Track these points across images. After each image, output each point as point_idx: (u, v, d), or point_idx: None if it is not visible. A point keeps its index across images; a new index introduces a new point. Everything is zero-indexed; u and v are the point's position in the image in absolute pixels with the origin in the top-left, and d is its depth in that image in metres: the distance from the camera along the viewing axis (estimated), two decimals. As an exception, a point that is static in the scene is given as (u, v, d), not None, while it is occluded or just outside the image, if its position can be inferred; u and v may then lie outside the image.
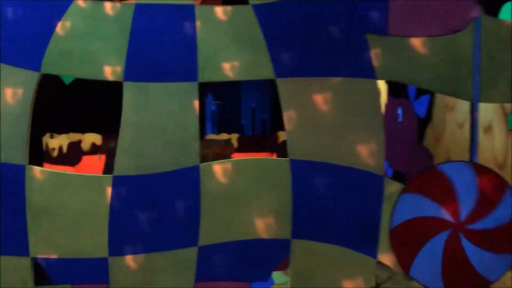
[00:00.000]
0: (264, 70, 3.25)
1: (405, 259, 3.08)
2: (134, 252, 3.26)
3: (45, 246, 3.31)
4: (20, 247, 3.30)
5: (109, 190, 3.26)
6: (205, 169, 3.26)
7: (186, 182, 3.24)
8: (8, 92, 3.33)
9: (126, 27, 3.29)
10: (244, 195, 3.25)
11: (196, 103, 3.29)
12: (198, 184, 3.24)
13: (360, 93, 3.16)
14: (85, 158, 5.12)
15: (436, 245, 3.05)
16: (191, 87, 3.28)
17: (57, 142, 5.25)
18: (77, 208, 3.31)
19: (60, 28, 3.32)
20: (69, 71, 3.39)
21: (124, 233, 3.27)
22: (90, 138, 5.19)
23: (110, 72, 3.30)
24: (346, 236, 3.17)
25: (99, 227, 3.27)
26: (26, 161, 3.30)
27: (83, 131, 5.22)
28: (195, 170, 3.25)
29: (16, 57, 3.34)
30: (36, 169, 3.32)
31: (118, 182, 3.27)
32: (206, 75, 3.28)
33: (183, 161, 3.25)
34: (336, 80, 3.18)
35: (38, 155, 5.06)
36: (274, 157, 4.32)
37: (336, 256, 3.19)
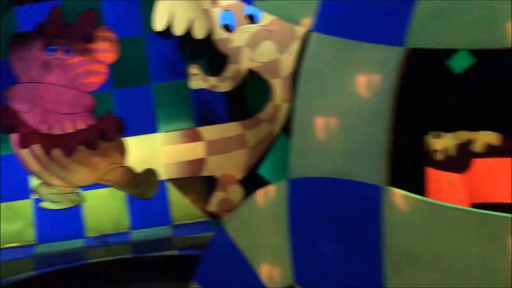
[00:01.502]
0: None
1: None
2: None
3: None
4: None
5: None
6: None
7: None
8: (362, 81, 2.34)
9: None
10: None
11: None
12: None
13: None
14: (478, 163, 3.98)
15: None
16: None
17: (442, 143, 4.25)
18: (459, 261, 2.10)
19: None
20: (446, 41, 2.13)
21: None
22: (484, 138, 4.01)
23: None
24: None
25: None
26: (384, 181, 2.26)
27: (477, 128, 4.09)
28: None
29: (371, 29, 2.32)
30: (398, 194, 2.25)
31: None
32: None
33: None
34: None
35: (421, 158, 4.27)
36: None
37: None
